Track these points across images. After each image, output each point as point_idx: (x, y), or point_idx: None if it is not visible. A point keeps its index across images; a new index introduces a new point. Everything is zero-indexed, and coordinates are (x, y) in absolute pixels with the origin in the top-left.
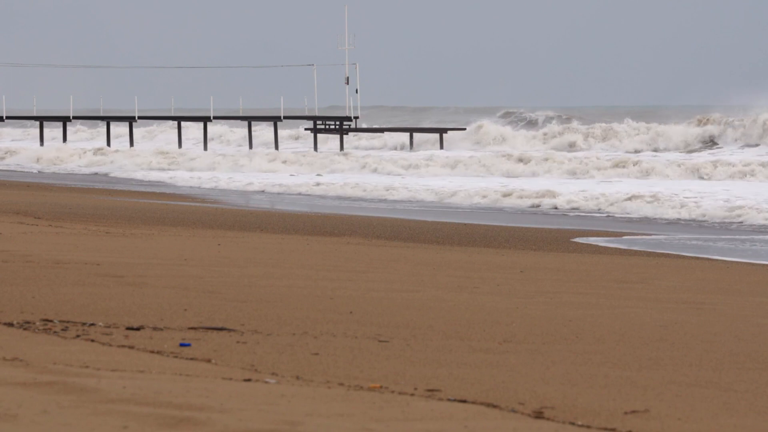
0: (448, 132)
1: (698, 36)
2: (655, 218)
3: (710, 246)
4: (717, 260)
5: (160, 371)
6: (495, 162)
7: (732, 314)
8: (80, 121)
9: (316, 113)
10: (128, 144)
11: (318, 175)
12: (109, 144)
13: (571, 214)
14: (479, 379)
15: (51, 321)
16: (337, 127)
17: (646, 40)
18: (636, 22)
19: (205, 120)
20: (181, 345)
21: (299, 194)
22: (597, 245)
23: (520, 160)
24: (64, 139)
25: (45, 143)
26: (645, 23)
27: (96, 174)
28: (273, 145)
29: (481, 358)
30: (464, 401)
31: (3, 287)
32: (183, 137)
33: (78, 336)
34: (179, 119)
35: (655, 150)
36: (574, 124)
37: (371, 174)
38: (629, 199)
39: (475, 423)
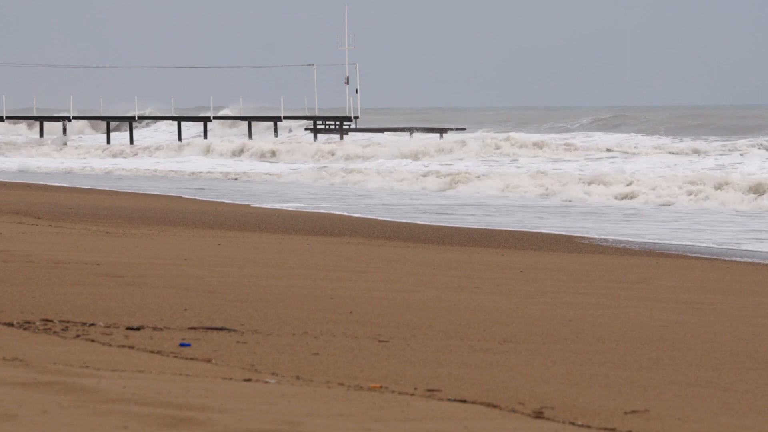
0: (448, 132)
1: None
2: None
3: None
4: (717, 260)
5: (160, 371)
6: None
7: (732, 314)
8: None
9: (316, 113)
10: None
11: None
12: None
13: None
14: (479, 379)
15: (51, 321)
16: (337, 127)
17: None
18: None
19: (205, 120)
20: (181, 345)
21: None
22: (597, 245)
23: None
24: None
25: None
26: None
27: None
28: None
29: (481, 358)
30: (464, 401)
31: (3, 287)
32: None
33: (78, 336)
34: (179, 119)
35: None
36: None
37: None
38: None
39: (475, 423)
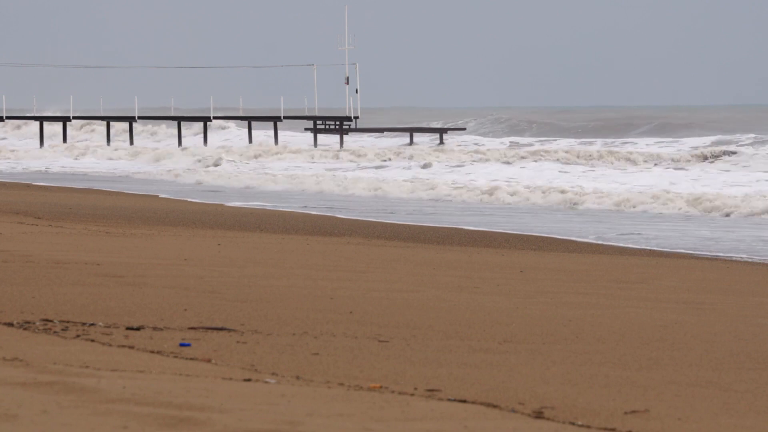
0: (448, 132)
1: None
2: None
3: None
4: (717, 260)
5: (160, 371)
6: None
7: (732, 314)
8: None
9: (316, 113)
10: (128, 143)
11: None
12: (108, 143)
13: None
14: (479, 379)
15: (51, 321)
16: (337, 127)
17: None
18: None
19: (205, 120)
20: (181, 345)
21: None
22: (597, 245)
23: None
24: (65, 139)
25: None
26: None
27: None
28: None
29: (481, 358)
30: (464, 401)
31: (3, 287)
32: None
33: (78, 336)
34: (179, 119)
35: None
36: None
37: None
38: None
39: (475, 423)
